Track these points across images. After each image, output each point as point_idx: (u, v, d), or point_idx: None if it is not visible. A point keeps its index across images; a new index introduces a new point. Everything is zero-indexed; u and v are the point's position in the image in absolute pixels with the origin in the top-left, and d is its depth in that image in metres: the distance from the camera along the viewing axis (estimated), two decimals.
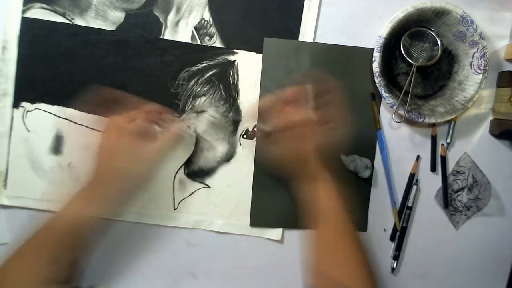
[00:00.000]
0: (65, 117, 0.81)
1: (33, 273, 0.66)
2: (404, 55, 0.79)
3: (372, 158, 0.83)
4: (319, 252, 0.69)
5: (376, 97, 0.82)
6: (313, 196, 0.71)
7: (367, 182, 0.84)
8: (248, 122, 0.82)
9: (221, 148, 0.83)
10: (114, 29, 0.80)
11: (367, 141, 0.83)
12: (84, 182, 0.71)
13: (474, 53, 0.79)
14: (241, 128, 0.83)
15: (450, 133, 0.83)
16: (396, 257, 0.84)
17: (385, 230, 0.85)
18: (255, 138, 0.82)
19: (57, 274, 0.68)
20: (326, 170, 0.72)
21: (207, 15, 0.81)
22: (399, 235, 0.84)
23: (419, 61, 0.80)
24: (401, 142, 0.84)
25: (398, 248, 0.84)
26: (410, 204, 0.84)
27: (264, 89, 0.82)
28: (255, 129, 0.82)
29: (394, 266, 0.84)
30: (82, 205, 0.68)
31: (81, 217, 0.67)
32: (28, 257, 0.67)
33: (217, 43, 0.81)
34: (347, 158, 0.82)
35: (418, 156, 0.84)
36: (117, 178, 0.70)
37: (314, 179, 0.71)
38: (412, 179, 0.84)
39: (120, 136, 0.71)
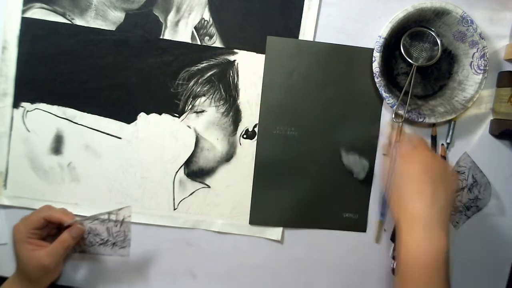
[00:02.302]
0: (65, 117, 0.81)
1: None
2: (404, 55, 0.79)
3: (371, 159, 0.83)
4: None
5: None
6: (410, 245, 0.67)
7: (367, 182, 0.84)
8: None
9: (221, 148, 0.83)
10: (114, 29, 0.80)
11: (367, 140, 0.83)
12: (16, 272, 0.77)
13: (474, 53, 0.79)
14: (241, 128, 0.83)
15: (450, 133, 0.83)
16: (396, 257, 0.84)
17: (385, 230, 0.85)
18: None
19: None
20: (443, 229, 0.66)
21: (207, 15, 0.81)
22: None
23: (419, 61, 0.80)
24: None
25: None
26: None
27: (266, 88, 0.82)
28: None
29: (394, 266, 0.84)
30: None
31: None
32: None
33: (217, 43, 0.81)
34: (347, 156, 0.82)
35: None
36: (24, 272, 0.75)
37: (423, 230, 0.66)
38: None
39: (15, 241, 0.75)
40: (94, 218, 0.76)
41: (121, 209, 0.76)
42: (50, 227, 0.77)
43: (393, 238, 0.84)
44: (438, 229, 0.65)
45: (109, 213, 0.76)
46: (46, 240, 0.76)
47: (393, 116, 0.82)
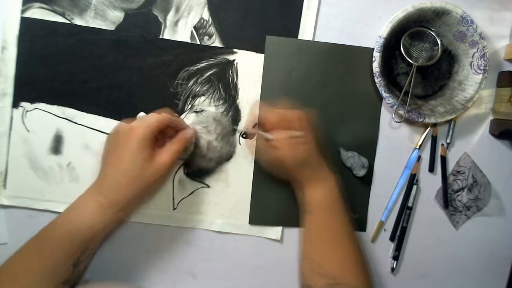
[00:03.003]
0: (64, 117, 0.81)
1: (58, 272, 0.68)
2: (404, 55, 0.79)
3: (371, 158, 0.83)
4: (307, 240, 0.76)
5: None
6: (308, 194, 0.76)
7: (367, 182, 0.84)
8: (246, 126, 0.81)
9: (220, 148, 0.83)
10: (113, 29, 0.80)
11: (367, 140, 0.83)
12: (94, 183, 0.71)
13: (474, 53, 0.79)
14: (240, 127, 0.82)
15: (450, 133, 0.83)
16: (396, 257, 0.84)
17: (385, 230, 0.85)
18: (255, 141, 0.81)
19: (75, 276, 0.71)
20: (325, 170, 0.76)
21: (206, 15, 0.80)
22: (399, 235, 0.84)
23: (419, 61, 0.80)
24: (401, 142, 0.84)
25: (398, 248, 0.84)
26: (410, 204, 0.83)
27: (266, 87, 0.82)
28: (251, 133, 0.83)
29: (394, 266, 0.84)
30: (97, 210, 0.68)
31: (98, 223, 0.68)
32: (55, 255, 0.68)
33: (216, 42, 0.81)
34: (345, 153, 0.82)
35: (419, 157, 0.84)
36: (127, 184, 0.69)
37: (311, 180, 0.75)
38: (413, 180, 0.84)
39: (129, 141, 0.69)
40: None
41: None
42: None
43: (392, 238, 0.84)
44: (322, 171, 0.76)
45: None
46: None
47: (393, 116, 0.81)
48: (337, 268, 0.71)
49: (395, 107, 0.78)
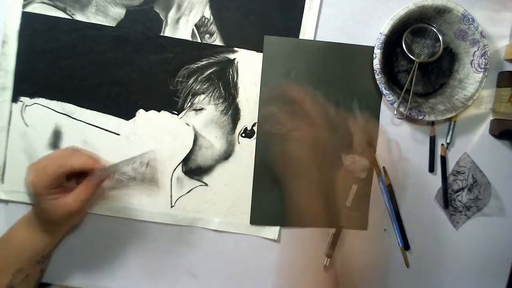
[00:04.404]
0: (64, 112, 0.81)
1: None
2: (406, 51, 0.79)
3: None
4: None
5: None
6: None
7: (368, 180, 0.83)
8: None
9: (219, 146, 0.82)
10: (114, 25, 0.80)
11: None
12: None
13: (475, 51, 0.79)
14: (240, 126, 0.82)
15: (450, 133, 0.83)
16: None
17: (385, 230, 0.84)
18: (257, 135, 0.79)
19: (21, 280, 0.74)
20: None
21: (207, 13, 0.81)
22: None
23: (421, 57, 0.80)
24: (401, 140, 0.84)
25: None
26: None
27: (265, 87, 0.82)
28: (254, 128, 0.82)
29: None
30: (30, 236, 0.74)
31: (30, 247, 0.75)
32: None
33: (217, 41, 0.81)
34: (345, 158, 0.81)
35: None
36: (43, 221, 0.73)
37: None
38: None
39: (34, 195, 0.70)
40: (118, 164, 0.75)
41: (145, 153, 0.77)
42: None
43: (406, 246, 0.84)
44: None
45: (133, 157, 0.76)
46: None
47: (395, 113, 0.81)
48: None
49: (395, 104, 0.78)
